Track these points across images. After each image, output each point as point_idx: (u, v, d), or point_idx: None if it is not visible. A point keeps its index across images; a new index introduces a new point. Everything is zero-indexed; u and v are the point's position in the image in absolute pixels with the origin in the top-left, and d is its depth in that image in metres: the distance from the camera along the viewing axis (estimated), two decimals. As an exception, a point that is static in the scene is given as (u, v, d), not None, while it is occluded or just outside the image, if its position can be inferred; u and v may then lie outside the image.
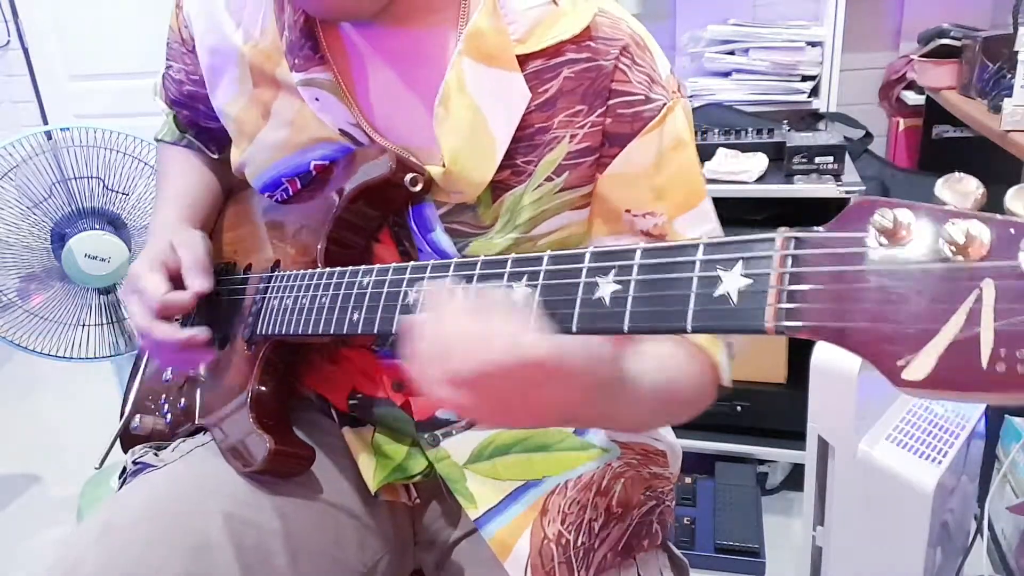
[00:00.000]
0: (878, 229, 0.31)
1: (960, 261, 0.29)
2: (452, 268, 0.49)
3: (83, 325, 1.58)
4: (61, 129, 1.50)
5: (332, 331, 0.58)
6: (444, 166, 0.63)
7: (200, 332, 0.68)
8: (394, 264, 0.54)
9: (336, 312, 0.58)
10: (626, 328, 0.39)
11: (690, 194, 0.66)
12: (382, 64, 0.66)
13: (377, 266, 0.56)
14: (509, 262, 0.46)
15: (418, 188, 0.63)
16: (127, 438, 0.83)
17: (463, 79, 0.62)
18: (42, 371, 2.45)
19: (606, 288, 0.40)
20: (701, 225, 0.67)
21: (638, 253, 0.39)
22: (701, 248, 0.37)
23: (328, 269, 0.61)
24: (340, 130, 0.66)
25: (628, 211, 0.65)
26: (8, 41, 2.58)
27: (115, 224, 1.56)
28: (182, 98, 0.80)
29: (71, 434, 2.20)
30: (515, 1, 0.62)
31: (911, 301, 0.29)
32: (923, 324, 0.29)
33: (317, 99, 0.66)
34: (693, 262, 0.37)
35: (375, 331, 0.54)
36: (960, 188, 0.30)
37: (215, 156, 0.84)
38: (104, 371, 1.73)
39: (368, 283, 0.55)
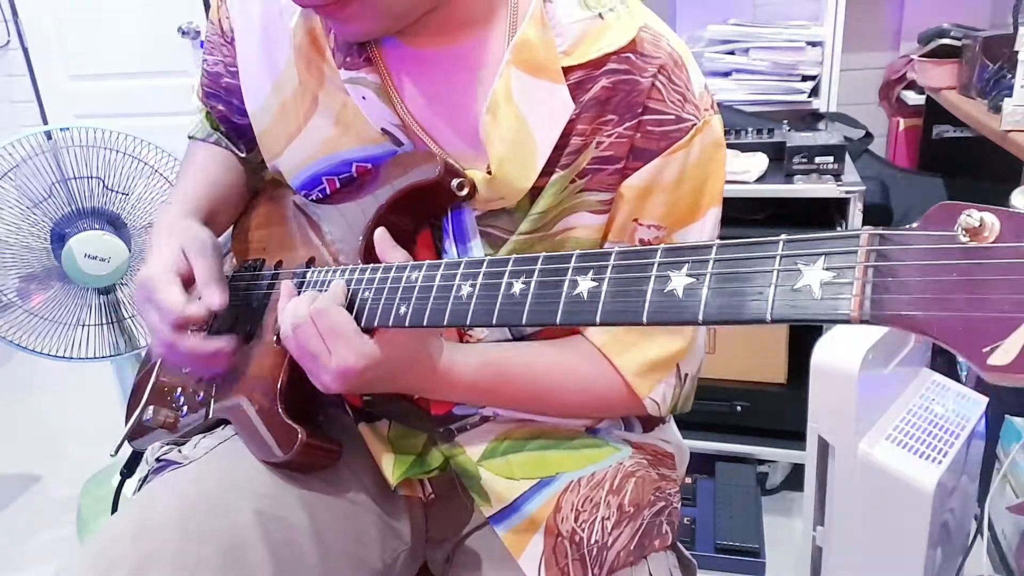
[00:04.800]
0: (964, 228, 0.32)
1: None
2: (511, 264, 0.49)
3: (83, 325, 1.58)
4: (61, 129, 1.50)
5: (376, 323, 0.58)
6: (489, 173, 0.64)
7: (228, 342, 0.68)
8: (445, 260, 0.54)
9: (381, 305, 0.57)
10: (700, 319, 0.39)
11: (702, 206, 0.67)
12: (426, 70, 0.66)
13: (426, 262, 0.55)
14: (574, 258, 0.46)
15: (464, 193, 0.64)
16: (138, 429, 0.83)
17: (510, 88, 0.63)
18: (42, 371, 2.45)
19: (679, 281, 0.40)
20: (697, 237, 0.68)
21: (714, 249, 0.40)
22: (781, 244, 0.37)
23: (371, 264, 0.60)
24: (383, 129, 0.67)
25: (636, 220, 0.66)
26: (8, 41, 2.58)
27: (115, 224, 1.56)
28: (219, 91, 0.79)
29: (71, 434, 2.20)
30: (562, 14, 0.63)
31: (997, 292, 0.31)
32: (1010, 312, 0.30)
33: (364, 97, 0.66)
34: (773, 257, 0.37)
35: (424, 324, 0.53)
36: None
37: (243, 155, 0.84)
38: (104, 371, 1.73)
39: (417, 277, 0.55)
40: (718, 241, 0.40)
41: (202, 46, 0.80)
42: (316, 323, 0.58)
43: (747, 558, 1.46)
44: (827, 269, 0.35)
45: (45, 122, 2.61)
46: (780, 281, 0.37)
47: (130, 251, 1.55)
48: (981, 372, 0.31)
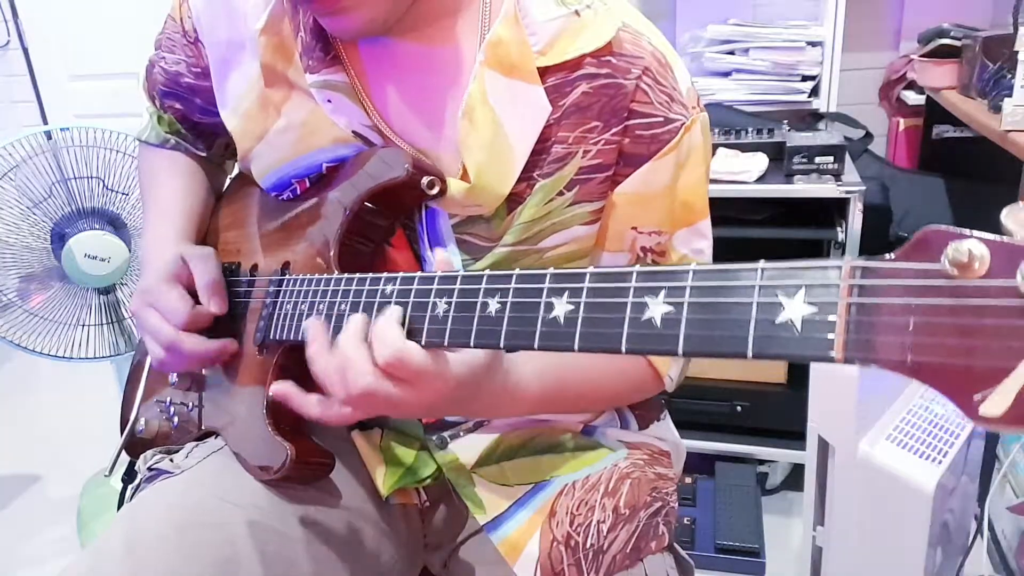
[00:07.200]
0: (951, 262, 0.30)
1: None
2: (484, 280, 0.47)
3: (83, 325, 1.58)
4: (61, 129, 1.50)
5: None
6: (469, 180, 0.62)
7: (230, 343, 0.68)
8: (420, 273, 0.53)
9: None
10: (680, 352, 0.38)
11: (694, 212, 0.67)
12: (397, 71, 0.65)
13: (401, 274, 0.54)
14: (548, 277, 0.44)
15: (435, 191, 0.62)
16: (132, 442, 0.82)
17: (485, 90, 0.61)
18: (42, 371, 2.45)
19: (657, 309, 0.38)
20: (697, 241, 0.68)
21: (691, 275, 0.38)
22: (760, 273, 0.36)
23: (346, 275, 0.59)
24: (354, 131, 0.65)
25: (634, 228, 0.66)
26: (8, 41, 2.58)
27: (115, 224, 1.56)
28: (177, 90, 0.77)
29: (71, 434, 2.20)
30: (536, 12, 0.61)
31: (987, 336, 0.29)
32: (1000, 360, 0.28)
33: (329, 100, 0.65)
34: (752, 287, 0.36)
35: None
36: (1023, 218, 0.30)
37: (203, 154, 0.83)
38: (104, 371, 1.73)
39: (392, 291, 0.53)
40: (694, 266, 0.38)
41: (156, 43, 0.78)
42: (393, 373, 0.50)
43: (747, 558, 1.46)
44: (809, 303, 0.34)
45: (45, 122, 2.61)
46: (760, 314, 0.35)
47: (130, 251, 1.55)
48: (972, 421, 0.29)
